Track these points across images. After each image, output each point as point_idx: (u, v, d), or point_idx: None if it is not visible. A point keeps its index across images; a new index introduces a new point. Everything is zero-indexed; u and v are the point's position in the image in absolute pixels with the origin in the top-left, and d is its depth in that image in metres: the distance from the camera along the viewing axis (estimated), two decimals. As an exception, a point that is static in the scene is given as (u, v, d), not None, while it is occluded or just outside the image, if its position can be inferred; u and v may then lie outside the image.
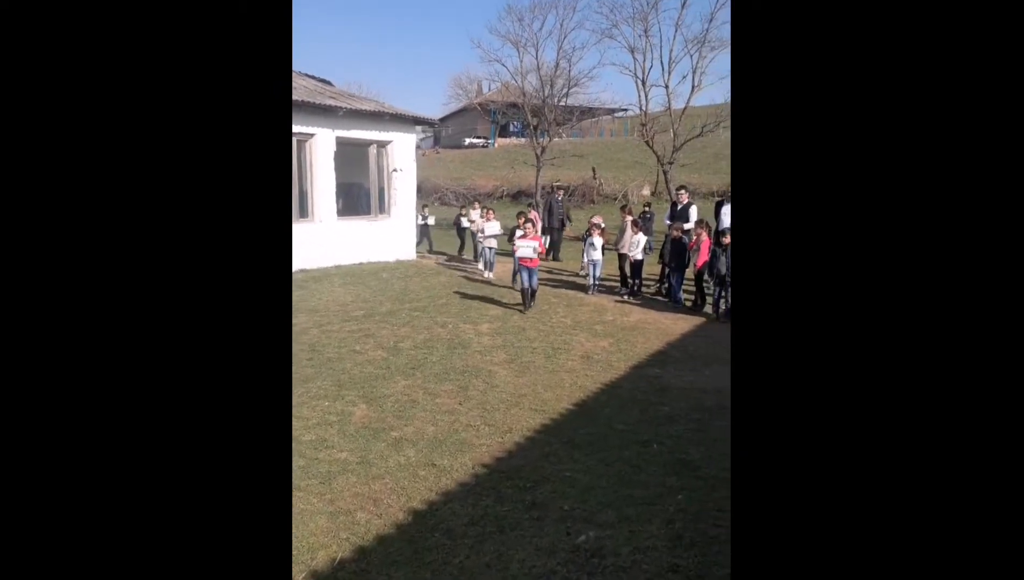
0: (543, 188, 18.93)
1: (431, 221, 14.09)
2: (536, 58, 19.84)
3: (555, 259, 12.14)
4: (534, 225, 8.44)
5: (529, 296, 7.93)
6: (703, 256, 7.78)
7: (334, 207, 11.31)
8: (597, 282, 9.16)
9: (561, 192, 13.73)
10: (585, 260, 9.56)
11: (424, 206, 14.82)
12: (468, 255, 12.60)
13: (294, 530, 2.87)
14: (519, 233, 8.40)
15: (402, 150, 12.44)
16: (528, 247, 8.04)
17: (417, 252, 13.11)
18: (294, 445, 3.81)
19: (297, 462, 3.58)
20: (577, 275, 10.63)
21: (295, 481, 3.36)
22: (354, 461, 3.64)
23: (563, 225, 12.91)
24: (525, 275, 7.92)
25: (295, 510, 3.06)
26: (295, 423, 4.16)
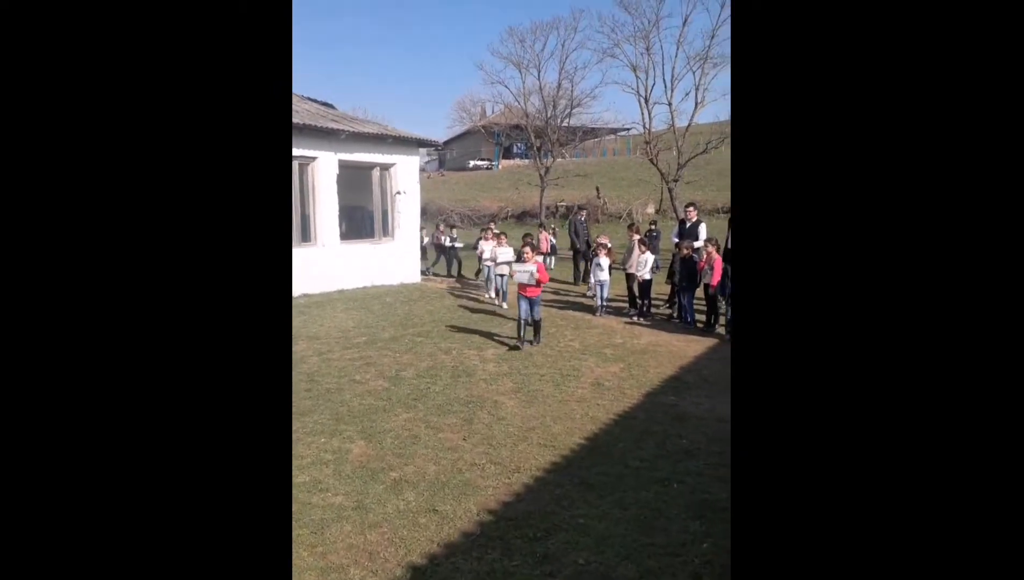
0: (548, 207, 18.77)
1: (459, 244, 13.75)
2: (538, 79, 19.88)
3: (584, 282, 11.56)
4: (534, 248, 7.39)
5: (524, 328, 6.88)
6: (717, 275, 7.52)
7: (337, 231, 11.14)
8: (605, 303, 8.90)
9: (584, 212, 13.00)
10: (592, 281, 9.31)
11: (452, 227, 14.60)
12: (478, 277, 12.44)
13: (280, 591, 2.59)
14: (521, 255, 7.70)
15: (405, 173, 12.30)
16: (525, 272, 6.96)
17: (434, 273, 13.16)
18: (286, 489, 3.54)
19: (288, 509, 3.31)
20: (584, 297, 10.37)
21: (285, 531, 3.08)
22: (350, 506, 3.36)
23: (589, 246, 12.26)
24: (524, 306, 6.89)
25: (283, 566, 2.78)
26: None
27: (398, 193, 12.17)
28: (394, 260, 12.09)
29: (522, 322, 6.93)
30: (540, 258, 7.90)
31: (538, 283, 6.93)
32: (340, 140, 10.79)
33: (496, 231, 10.76)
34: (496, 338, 7.33)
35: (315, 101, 12.75)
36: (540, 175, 19.27)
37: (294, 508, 3.31)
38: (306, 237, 10.74)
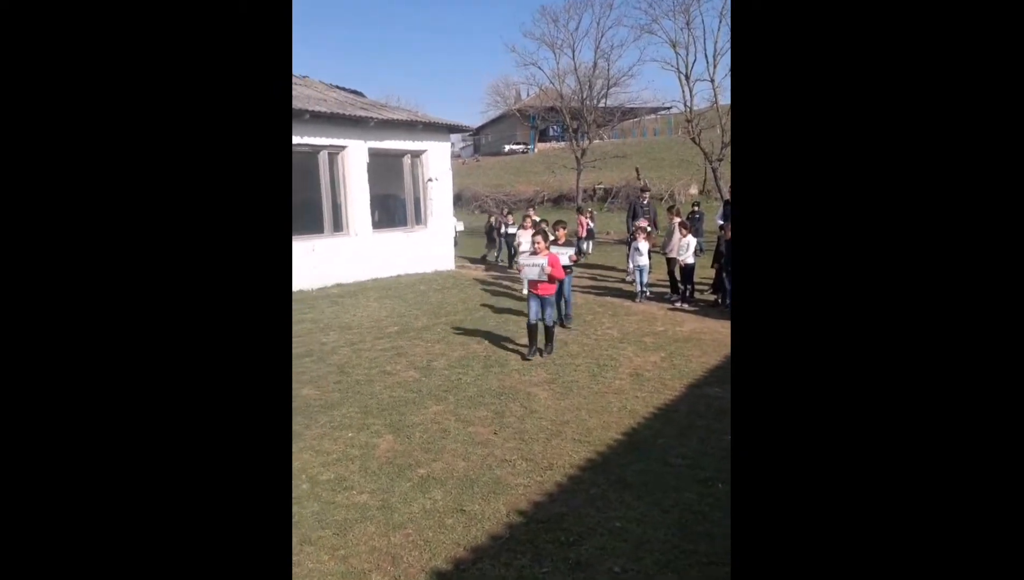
0: (585, 190, 18.35)
1: (512, 229, 12.52)
2: (573, 59, 19.41)
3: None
4: (547, 236, 6.20)
5: (537, 335, 5.84)
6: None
7: (369, 219, 11.08)
8: (645, 289, 8.58)
9: (647, 194, 11.46)
10: (631, 266, 8.99)
11: (507, 213, 13.93)
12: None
13: (298, 599, 2.47)
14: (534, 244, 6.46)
15: (437, 159, 12.15)
16: (535, 266, 5.81)
17: (492, 260, 13.28)
18: (310, 486, 3.43)
19: (311, 507, 3.19)
20: (623, 282, 10.05)
21: (307, 532, 2.96)
22: (374, 506, 3.22)
23: (657, 228, 11.01)
24: (534, 307, 5.79)
25: (303, 569, 2.66)
26: (314, 458, 3.79)
27: (430, 180, 12.03)
28: (427, 248, 11.98)
29: (533, 326, 5.84)
30: (567, 249, 6.86)
31: (551, 279, 5.86)
32: (370, 128, 10.69)
33: (535, 218, 9.84)
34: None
35: (344, 89, 12.69)
36: (576, 158, 18.85)
37: (317, 508, 3.19)
38: (338, 227, 10.72)
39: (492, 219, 14.39)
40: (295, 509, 3.18)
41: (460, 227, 14.05)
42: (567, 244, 7.03)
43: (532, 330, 5.86)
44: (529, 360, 5.73)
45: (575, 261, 6.98)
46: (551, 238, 6.86)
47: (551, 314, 5.97)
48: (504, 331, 6.91)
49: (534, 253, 5.99)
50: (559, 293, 6.70)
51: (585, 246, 14.05)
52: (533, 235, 6.82)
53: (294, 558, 2.75)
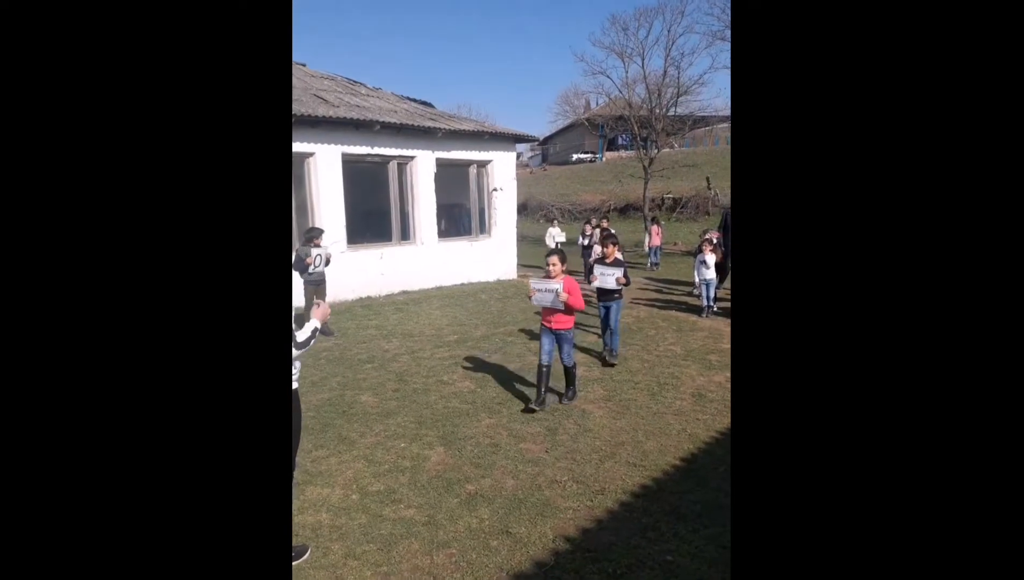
0: (652, 200, 17.94)
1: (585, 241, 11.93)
2: (642, 67, 19.08)
3: None
4: (561, 259, 4.80)
5: (546, 379, 4.73)
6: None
7: (435, 229, 11.25)
8: (712, 303, 8.24)
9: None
10: (697, 279, 8.67)
11: (593, 223, 12.47)
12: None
13: (337, 615, 2.45)
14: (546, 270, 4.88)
15: (502, 169, 12.21)
16: (548, 291, 4.64)
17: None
18: (359, 498, 3.44)
19: (359, 519, 3.20)
20: (689, 295, 9.71)
21: (352, 546, 2.96)
22: (421, 521, 3.19)
23: None
24: (547, 344, 4.75)
25: (345, 585, 2.65)
26: (366, 468, 3.82)
27: (495, 189, 12.09)
28: (491, 257, 12.04)
29: (543, 369, 4.71)
30: (615, 270, 5.96)
31: (568, 309, 4.67)
32: (437, 138, 10.86)
33: (605, 228, 9.38)
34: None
35: (414, 100, 12.97)
36: (644, 166, 18.48)
37: (364, 521, 3.19)
38: (405, 236, 10.93)
39: (583, 234, 14.05)
40: (343, 520, 3.20)
41: (561, 238, 13.42)
42: (615, 264, 6.12)
43: (542, 373, 4.73)
44: (533, 411, 4.65)
45: (624, 284, 6.01)
46: (599, 255, 6.29)
47: (569, 352, 4.85)
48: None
49: (547, 276, 4.79)
50: (604, 323, 6.17)
51: (654, 257, 13.73)
52: (602, 243, 6.41)
53: (337, 572, 2.76)
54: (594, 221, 12.36)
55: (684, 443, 4.12)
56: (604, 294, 6.15)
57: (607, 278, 6.03)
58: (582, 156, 40.81)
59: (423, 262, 10.99)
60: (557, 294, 4.62)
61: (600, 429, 4.40)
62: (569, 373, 4.96)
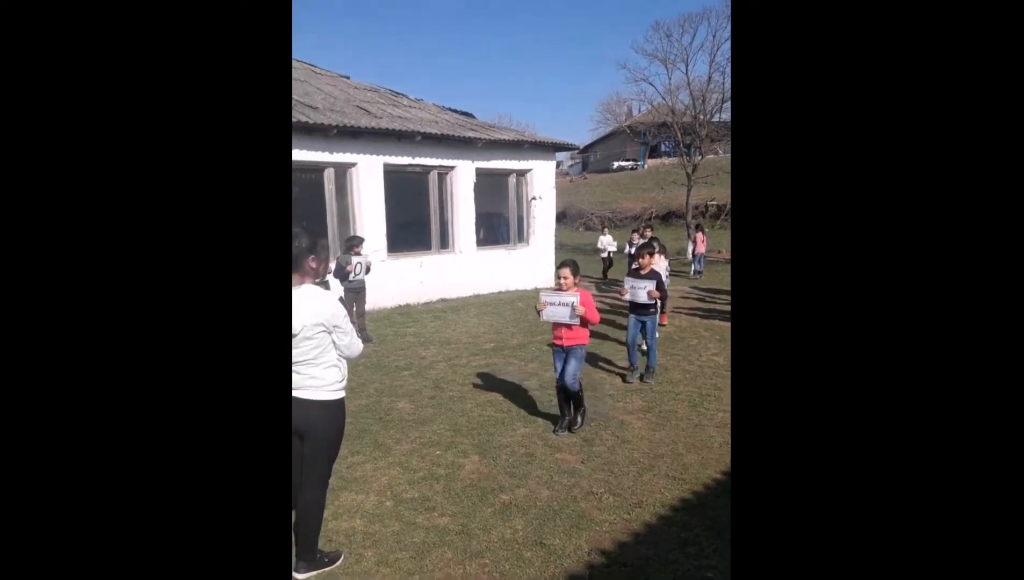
0: (696, 207, 17.60)
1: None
2: (686, 74, 18.83)
3: None
4: (573, 271, 4.36)
5: (567, 405, 4.44)
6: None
7: (474, 237, 11.31)
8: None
9: None
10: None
11: (640, 231, 11.28)
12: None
13: (368, 622, 2.44)
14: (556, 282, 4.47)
15: (541, 178, 12.19)
16: (563, 305, 4.25)
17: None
18: (393, 504, 3.44)
19: (392, 527, 3.19)
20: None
21: (385, 553, 2.95)
22: (454, 530, 3.16)
23: None
24: (559, 364, 4.41)
25: (376, 592, 2.64)
26: (401, 475, 3.81)
27: (533, 198, 12.08)
28: (528, 265, 12.01)
29: (562, 387, 4.38)
30: (646, 283, 5.53)
31: (583, 323, 4.30)
32: (477, 148, 10.93)
33: (650, 236, 8.69)
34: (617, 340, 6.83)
35: (454, 111, 13.10)
36: (687, 173, 18.17)
37: (397, 528, 3.18)
38: (445, 244, 11.01)
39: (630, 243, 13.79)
40: (376, 527, 3.19)
41: (613, 246, 13.30)
42: (650, 276, 5.61)
43: (562, 392, 4.44)
44: (558, 435, 4.39)
45: (657, 297, 5.54)
46: (634, 266, 5.85)
47: (575, 372, 4.31)
48: (600, 353, 6.69)
49: (558, 288, 4.37)
50: (633, 339, 5.68)
51: (698, 265, 13.45)
52: (638, 253, 5.92)
53: (369, 579, 2.74)
54: (643, 229, 12.02)
55: (726, 456, 3.97)
56: (637, 308, 5.66)
57: (638, 291, 5.57)
58: (623, 164, 40.49)
59: (461, 270, 11.05)
60: (573, 308, 4.22)
61: (639, 441, 4.29)
62: (575, 397, 4.42)
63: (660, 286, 5.55)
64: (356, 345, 2.72)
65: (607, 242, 13.35)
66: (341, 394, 2.72)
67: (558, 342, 4.41)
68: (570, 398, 4.44)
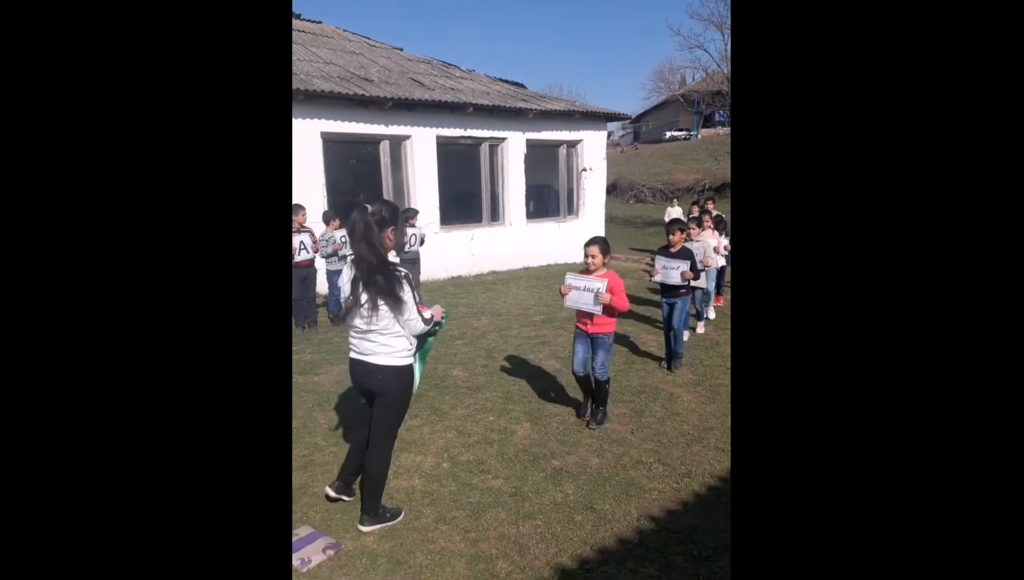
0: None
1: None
2: (745, 37, 18.03)
3: None
4: (603, 250, 3.98)
5: (589, 395, 4.17)
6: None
7: (524, 210, 11.35)
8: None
9: None
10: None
11: (700, 204, 10.82)
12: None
13: (431, 573, 2.62)
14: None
15: (592, 149, 12.07)
16: (587, 292, 3.88)
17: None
18: (450, 466, 3.62)
19: (449, 486, 3.37)
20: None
21: (443, 511, 3.14)
22: (508, 492, 3.32)
23: None
24: (580, 351, 4.05)
25: (436, 547, 2.82)
26: (457, 439, 3.99)
27: (584, 170, 11.99)
28: (578, 238, 11.97)
29: (581, 376, 4.09)
30: (679, 262, 5.12)
31: (610, 312, 3.92)
32: (528, 119, 10.90)
33: (712, 212, 7.82)
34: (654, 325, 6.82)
35: (506, 82, 13.03)
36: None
37: (454, 488, 3.36)
38: (495, 217, 11.11)
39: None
40: (434, 487, 3.38)
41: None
42: (681, 254, 5.16)
43: (582, 382, 4.16)
44: (588, 424, 4.12)
45: (690, 279, 5.12)
46: (666, 244, 5.29)
47: (604, 362, 3.97)
48: (650, 328, 6.71)
49: (586, 271, 4.04)
50: (668, 323, 5.26)
51: None
52: (669, 229, 5.32)
53: (428, 535, 2.93)
54: (704, 202, 11.63)
55: (777, 431, 3.98)
56: (668, 290, 5.25)
57: (670, 272, 5.14)
58: (676, 134, 39.41)
59: (512, 243, 11.14)
60: (597, 295, 3.83)
61: (688, 413, 4.34)
62: (601, 388, 4.04)
63: (694, 266, 5.15)
64: (414, 324, 2.82)
65: (675, 214, 12.98)
66: (409, 360, 2.91)
67: (582, 327, 4.05)
68: (592, 389, 4.12)
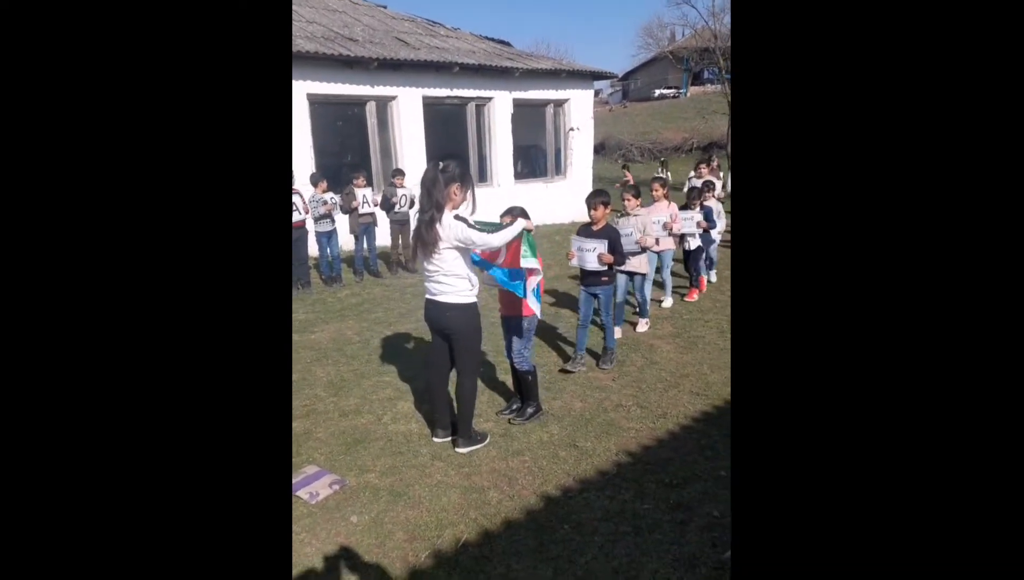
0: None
1: (696, 182, 9.47)
2: (732, -8, 17.84)
3: None
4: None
5: (527, 386, 3.70)
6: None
7: (512, 170, 11.44)
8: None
9: None
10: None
11: (711, 165, 9.63)
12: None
13: (429, 503, 2.90)
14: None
15: (579, 108, 12.10)
16: (588, 252, 4.03)
17: None
18: (443, 412, 3.88)
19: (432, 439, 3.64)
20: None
21: (439, 450, 3.41)
22: (498, 432, 3.59)
23: None
24: (504, 336, 3.82)
25: (432, 480, 3.10)
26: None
27: (571, 129, 12.05)
28: (566, 198, 12.12)
29: (518, 371, 3.74)
30: (596, 240, 4.27)
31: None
32: (515, 78, 10.89)
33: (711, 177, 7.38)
34: (674, 273, 7.09)
35: (491, 40, 12.93)
36: (729, 102, 17.61)
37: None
38: (483, 177, 11.20)
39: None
40: (429, 430, 3.64)
41: (698, 184, 10.09)
42: (603, 234, 4.31)
43: (519, 378, 3.80)
44: (511, 420, 3.74)
45: (609, 263, 4.23)
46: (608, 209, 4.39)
47: (519, 349, 3.69)
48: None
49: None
50: (585, 317, 4.55)
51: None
52: (591, 201, 4.38)
53: (425, 470, 3.20)
54: (710, 162, 10.07)
55: (748, 376, 4.27)
56: (588, 277, 4.38)
57: (585, 254, 4.23)
58: (665, 92, 39.06)
59: (499, 204, 11.23)
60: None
61: (666, 362, 4.62)
62: (522, 379, 3.73)
63: (616, 248, 4.24)
64: (483, 242, 3.17)
65: (696, 180, 11.52)
66: (473, 299, 3.30)
67: (504, 308, 3.82)
68: (526, 380, 3.74)
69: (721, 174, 7.89)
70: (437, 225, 3.10)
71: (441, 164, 3.20)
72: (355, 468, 3.24)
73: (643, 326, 5.35)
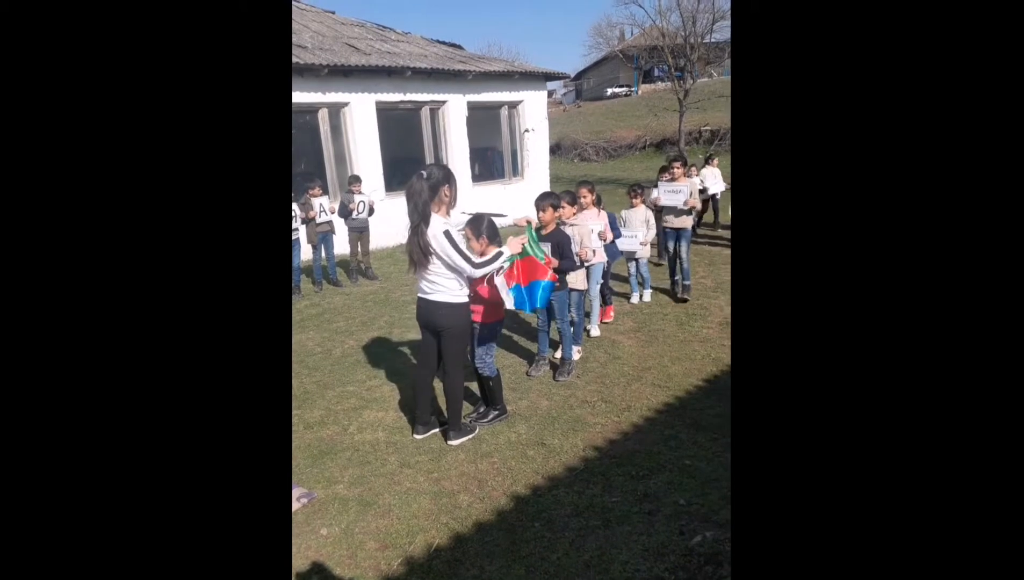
0: (689, 133, 17.55)
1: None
2: (676, -8, 18.24)
3: None
4: (554, 206, 4.12)
5: (489, 390, 3.72)
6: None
7: (469, 173, 11.44)
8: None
9: None
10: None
11: (713, 161, 9.91)
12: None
13: (399, 510, 2.89)
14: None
15: (533, 109, 12.19)
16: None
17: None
18: (410, 418, 3.87)
19: (411, 437, 3.63)
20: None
21: (407, 457, 3.40)
22: (466, 437, 3.60)
23: None
24: (474, 340, 3.68)
25: (402, 487, 3.09)
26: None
27: (526, 130, 12.12)
28: (524, 199, 12.18)
29: (479, 375, 3.77)
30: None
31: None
32: (468, 81, 10.90)
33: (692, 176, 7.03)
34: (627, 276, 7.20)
35: (443, 43, 12.91)
36: (679, 99, 17.99)
37: (418, 438, 3.61)
38: (440, 180, 11.15)
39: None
40: (397, 437, 3.63)
41: (721, 186, 9.65)
42: (553, 236, 4.13)
43: (481, 383, 3.83)
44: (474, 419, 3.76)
45: (554, 266, 3.82)
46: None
47: (481, 354, 3.69)
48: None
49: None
50: (546, 321, 4.45)
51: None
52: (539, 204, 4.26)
53: (394, 478, 3.19)
54: (712, 159, 9.40)
55: (708, 366, 4.40)
56: None
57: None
58: (617, 90, 39.65)
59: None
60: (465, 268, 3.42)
61: (629, 356, 4.70)
62: (483, 385, 3.77)
63: (564, 254, 4.03)
64: (461, 267, 3.25)
65: (712, 179, 9.57)
66: (464, 298, 3.42)
67: (477, 316, 3.64)
68: (490, 384, 3.75)
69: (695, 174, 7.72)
70: (426, 234, 3.23)
71: (424, 172, 3.29)
72: (323, 480, 3.20)
73: (575, 353, 4.56)
